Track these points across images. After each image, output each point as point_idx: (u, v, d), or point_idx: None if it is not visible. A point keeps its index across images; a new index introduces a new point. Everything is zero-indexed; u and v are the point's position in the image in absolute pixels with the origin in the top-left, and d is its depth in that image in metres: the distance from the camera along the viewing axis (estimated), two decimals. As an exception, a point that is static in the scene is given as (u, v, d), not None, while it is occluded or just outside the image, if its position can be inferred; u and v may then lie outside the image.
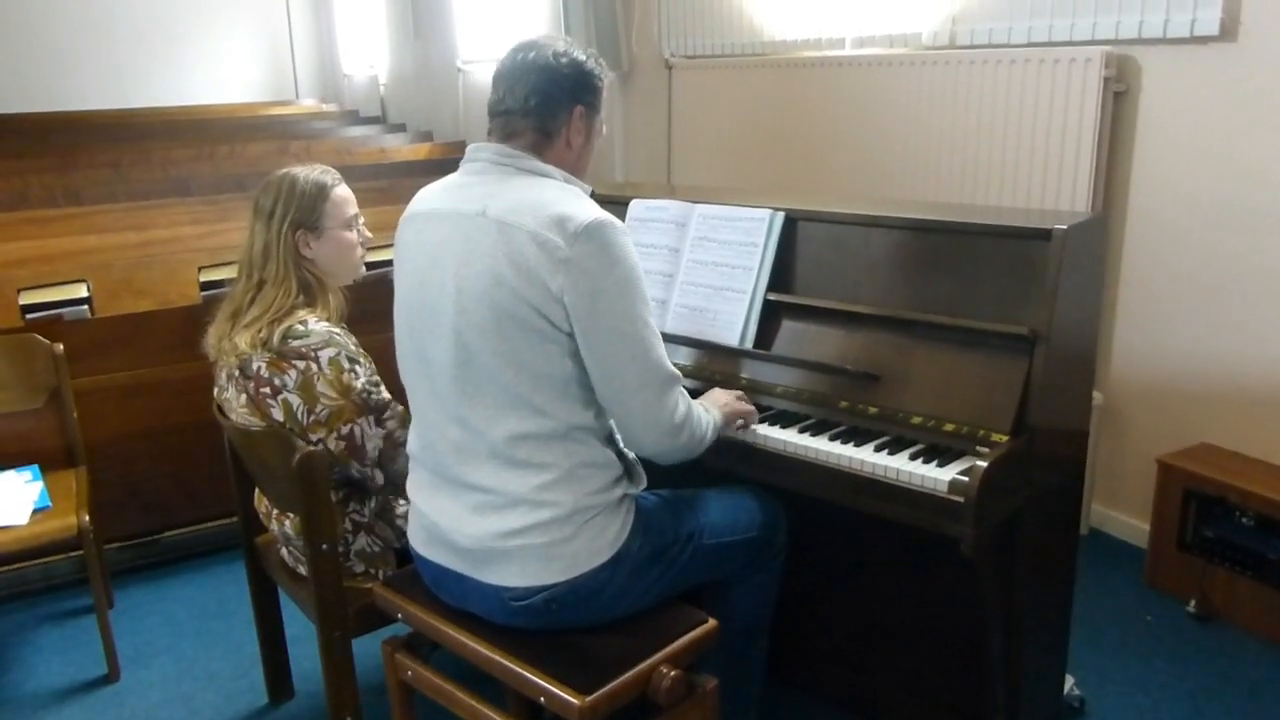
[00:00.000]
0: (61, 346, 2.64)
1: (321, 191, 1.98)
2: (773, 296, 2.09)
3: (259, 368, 1.89)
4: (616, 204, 2.33)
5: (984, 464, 1.65)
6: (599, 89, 1.68)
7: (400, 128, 8.16)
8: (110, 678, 2.50)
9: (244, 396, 1.91)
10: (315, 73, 10.13)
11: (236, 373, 1.92)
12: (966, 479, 1.65)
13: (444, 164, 6.54)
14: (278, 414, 1.89)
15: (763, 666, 2.00)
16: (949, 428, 1.82)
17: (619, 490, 1.65)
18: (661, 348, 1.61)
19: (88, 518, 2.39)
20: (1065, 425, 1.94)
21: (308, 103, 9.78)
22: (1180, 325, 2.76)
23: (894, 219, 1.98)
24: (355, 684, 1.99)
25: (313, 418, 1.89)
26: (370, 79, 8.77)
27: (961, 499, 1.65)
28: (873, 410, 1.91)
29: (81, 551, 2.77)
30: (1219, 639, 2.51)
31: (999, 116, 3.02)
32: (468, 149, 1.69)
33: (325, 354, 1.88)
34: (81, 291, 2.70)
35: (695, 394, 2.02)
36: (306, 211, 1.96)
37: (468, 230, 1.57)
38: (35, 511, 2.42)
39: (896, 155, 3.45)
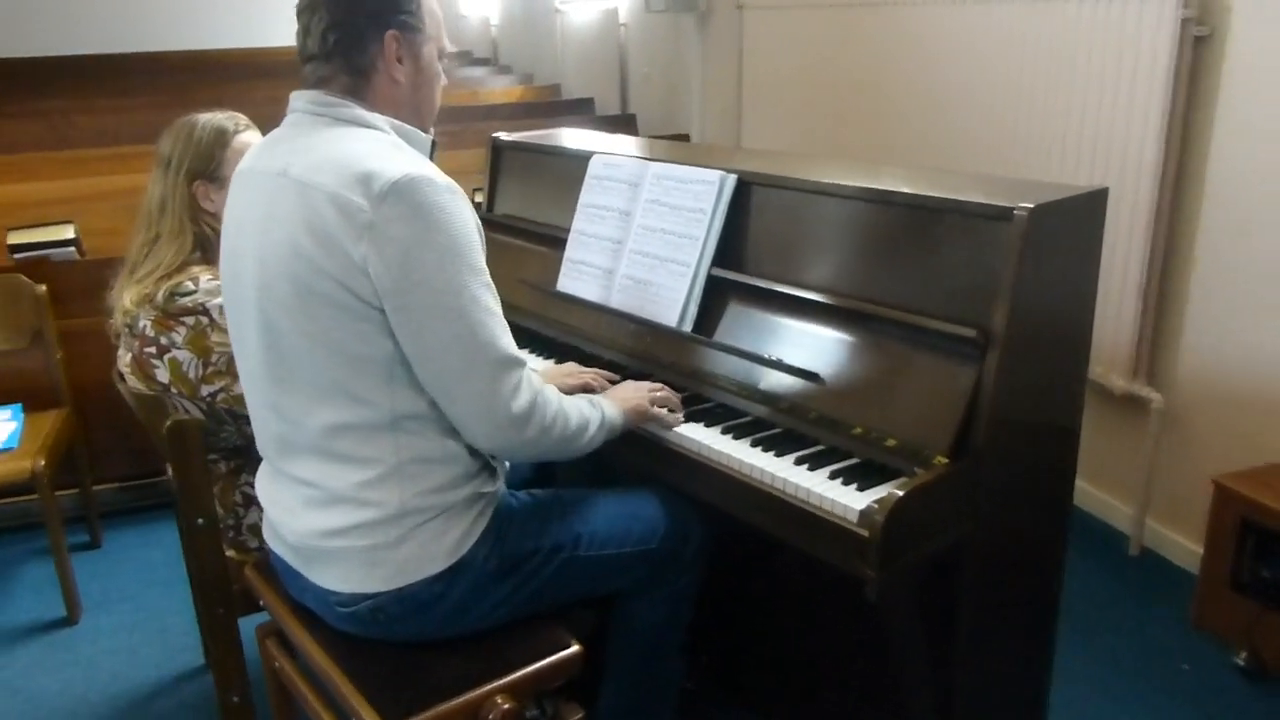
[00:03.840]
0: (44, 287, 2.63)
1: (220, 138, 1.84)
2: (719, 273, 1.83)
3: (144, 326, 1.77)
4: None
5: (900, 493, 1.37)
6: (414, 3, 1.42)
7: (507, 70, 8.04)
8: (70, 620, 2.50)
9: (129, 356, 1.81)
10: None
11: (124, 331, 1.81)
12: (877, 508, 1.37)
13: (531, 107, 6.35)
14: (162, 375, 1.78)
15: (673, 691, 1.77)
16: (890, 443, 1.53)
17: (465, 490, 1.44)
18: (497, 327, 1.36)
19: (43, 462, 2.37)
20: (1037, 442, 1.61)
21: (428, 43, 9.76)
22: (1263, 319, 2.31)
23: (848, 188, 1.67)
24: (243, 663, 1.88)
25: (210, 369, 1.77)
26: (483, 20, 8.67)
27: (866, 533, 1.37)
28: (813, 415, 1.64)
29: (78, 489, 2.84)
30: (1268, 702, 2.11)
31: (1064, 63, 2.59)
32: (290, 96, 1.48)
33: (215, 303, 1.76)
34: (68, 233, 2.69)
35: (639, 378, 1.81)
36: (204, 160, 1.83)
37: (270, 193, 1.37)
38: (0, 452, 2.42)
39: (961, 101, 3.05)
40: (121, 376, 1.89)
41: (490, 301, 1.37)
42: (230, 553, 1.89)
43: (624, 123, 5.47)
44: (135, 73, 7.11)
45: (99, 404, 2.84)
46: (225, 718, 1.92)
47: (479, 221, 1.41)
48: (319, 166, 1.32)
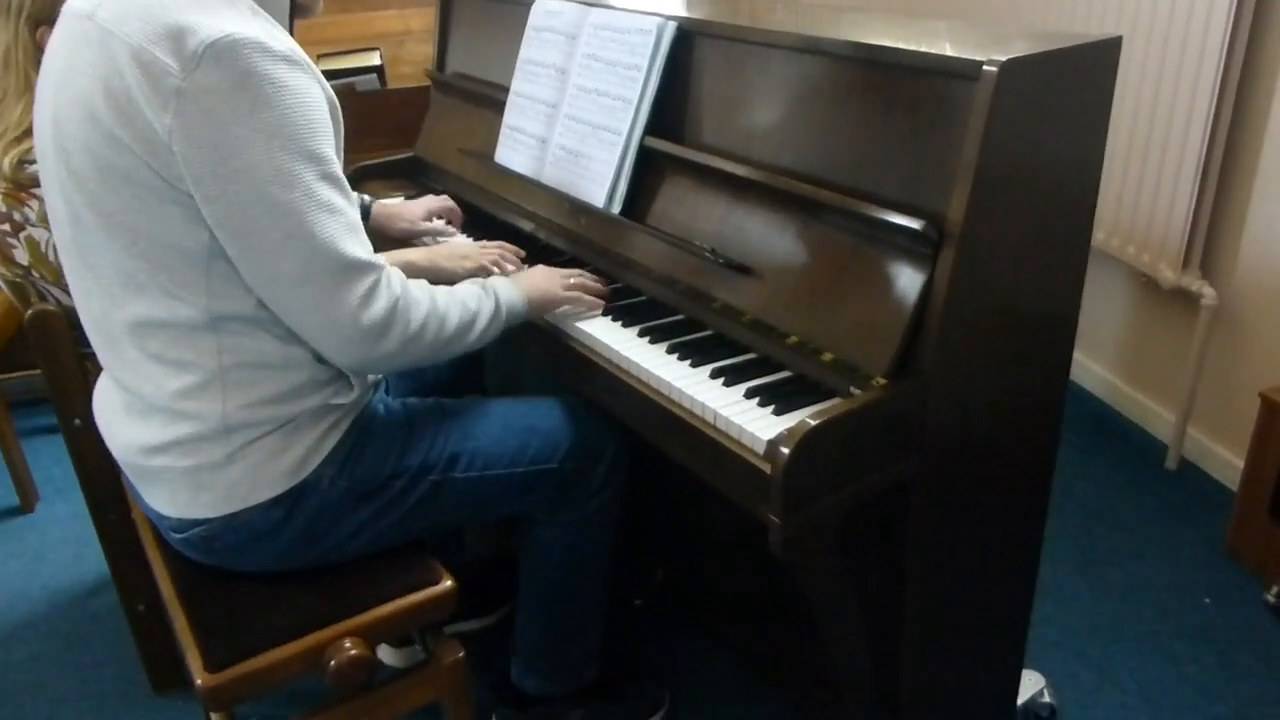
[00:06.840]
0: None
1: None
2: (653, 144, 1.54)
3: (-5, 201, 1.58)
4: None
5: (814, 421, 1.11)
6: None
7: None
8: (23, 508, 2.43)
9: (-17, 236, 1.62)
10: None
11: (-20, 207, 1.62)
12: (786, 437, 1.12)
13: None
14: (21, 256, 1.59)
15: (595, 621, 1.59)
16: (827, 356, 1.26)
17: (310, 401, 1.22)
18: (338, 226, 1.11)
19: (-19, 344, 2.25)
20: (1015, 347, 1.31)
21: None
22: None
23: (786, 38, 1.35)
24: (147, 568, 1.76)
25: None
26: None
27: (768, 468, 1.12)
28: (747, 318, 1.37)
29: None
30: (1296, 646, 1.84)
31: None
32: None
33: None
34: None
35: (572, 265, 1.57)
36: (45, 2, 1.58)
37: (75, 39, 1.13)
38: (-59, 333, 2.31)
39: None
40: (-5, 259, 1.72)
41: (331, 195, 1.11)
42: (128, 452, 1.74)
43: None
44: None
45: (60, 280, 2.71)
46: (133, 627, 1.82)
47: (334, 101, 1.16)
48: (128, 13, 1.07)
